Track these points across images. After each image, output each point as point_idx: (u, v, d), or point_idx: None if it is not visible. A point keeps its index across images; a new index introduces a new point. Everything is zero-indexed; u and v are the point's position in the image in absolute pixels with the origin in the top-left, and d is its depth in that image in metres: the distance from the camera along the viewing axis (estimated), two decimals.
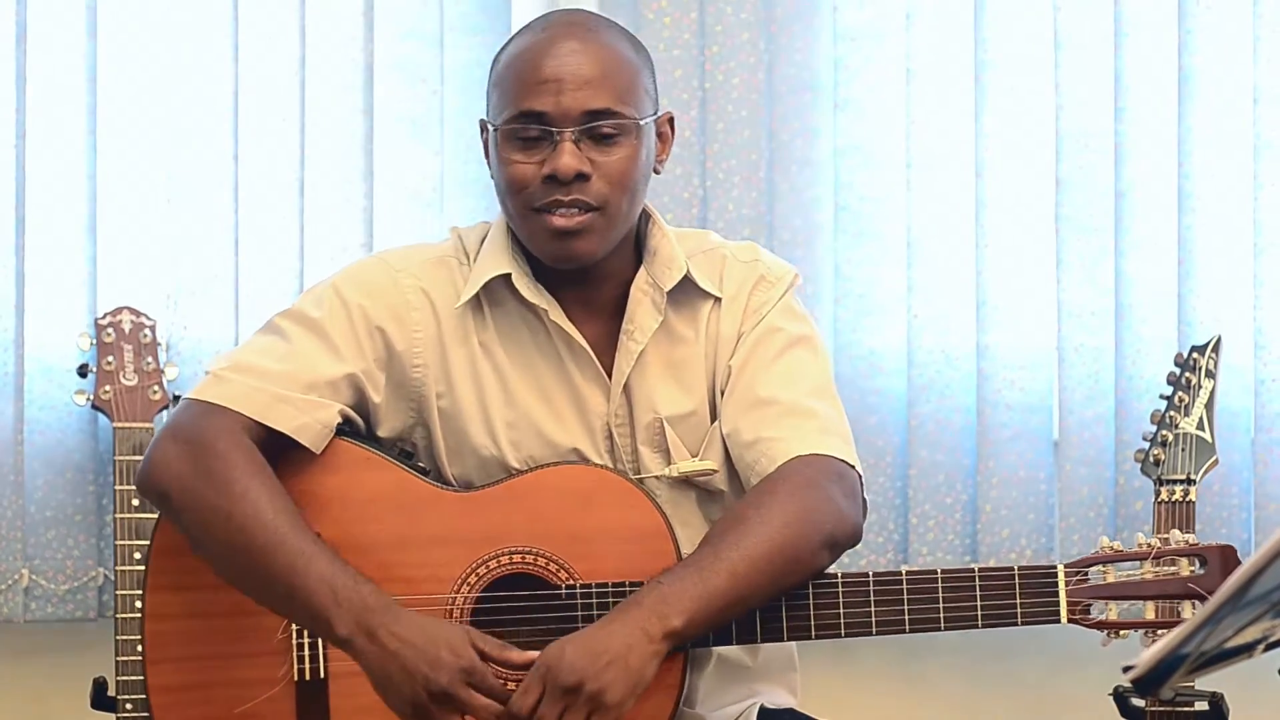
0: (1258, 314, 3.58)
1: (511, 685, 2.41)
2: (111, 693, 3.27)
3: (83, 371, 3.44)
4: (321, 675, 2.53)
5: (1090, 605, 2.50)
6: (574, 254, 2.56)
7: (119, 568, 3.31)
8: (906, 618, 2.48)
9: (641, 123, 2.56)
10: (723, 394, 2.64)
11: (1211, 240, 3.59)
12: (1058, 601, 2.49)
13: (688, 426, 2.64)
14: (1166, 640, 1.68)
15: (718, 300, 2.65)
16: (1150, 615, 2.52)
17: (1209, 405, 3.25)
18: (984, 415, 3.63)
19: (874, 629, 2.48)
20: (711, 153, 3.66)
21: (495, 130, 2.58)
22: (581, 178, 2.52)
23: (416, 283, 2.64)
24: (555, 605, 2.49)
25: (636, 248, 2.67)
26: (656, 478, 2.62)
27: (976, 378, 3.63)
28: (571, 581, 2.49)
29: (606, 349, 2.64)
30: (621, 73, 2.55)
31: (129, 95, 3.55)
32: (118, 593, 3.30)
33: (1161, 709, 3.16)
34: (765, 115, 3.66)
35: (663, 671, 2.41)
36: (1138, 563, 2.50)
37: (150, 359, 3.43)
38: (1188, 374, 3.27)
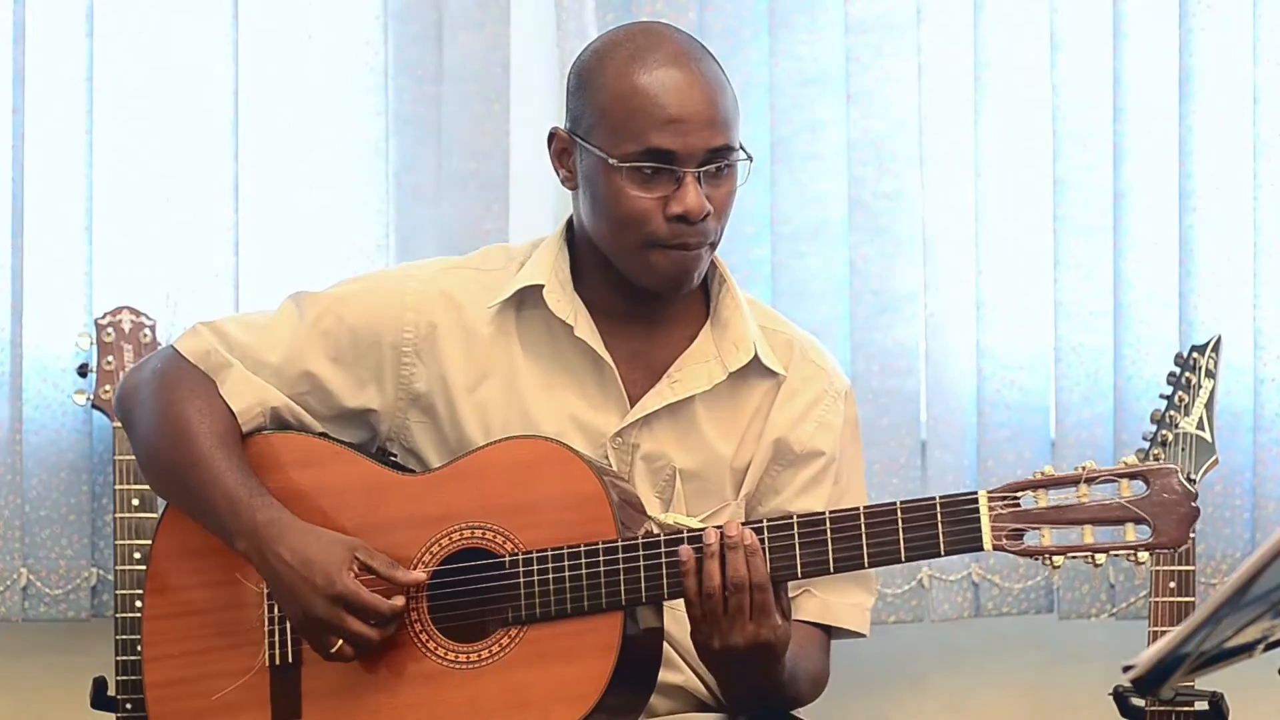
0: (1258, 314, 3.57)
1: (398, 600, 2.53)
2: (111, 692, 3.27)
3: (83, 371, 3.44)
4: (290, 660, 2.61)
5: (1023, 532, 2.45)
6: (686, 286, 2.64)
7: (119, 567, 3.30)
8: (831, 558, 2.49)
9: (742, 151, 2.62)
10: (753, 491, 2.70)
11: (1212, 240, 3.58)
12: (979, 528, 2.45)
13: (698, 487, 2.67)
14: (1166, 640, 1.68)
15: (777, 380, 2.70)
16: (1088, 539, 2.44)
17: (1209, 405, 3.25)
18: (984, 415, 3.62)
19: (799, 572, 2.49)
20: None
21: (610, 162, 2.57)
22: (705, 215, 2.57)
23: (421, 287, 2.70)
24: (500, 575, 2.54)
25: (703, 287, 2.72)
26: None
27: (976, 377, 3.62)
28: (516, 551, 2.53)
29: (634, 371, 2.67)
30: (730, 105, 2.61)
31: (128, 94, 3.54)
32: (118, 592, 3.30)
33: (1161, 709, 3.17)
34: (765, 109, 3.65)
35: (595, 632, 2.49)
36: (1073, 487, 2.44)
37: None
38: (1188, 374, 3.27)
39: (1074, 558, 2.45)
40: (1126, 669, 1.70)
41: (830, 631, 2.75)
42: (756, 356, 2.67)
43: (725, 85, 2.62)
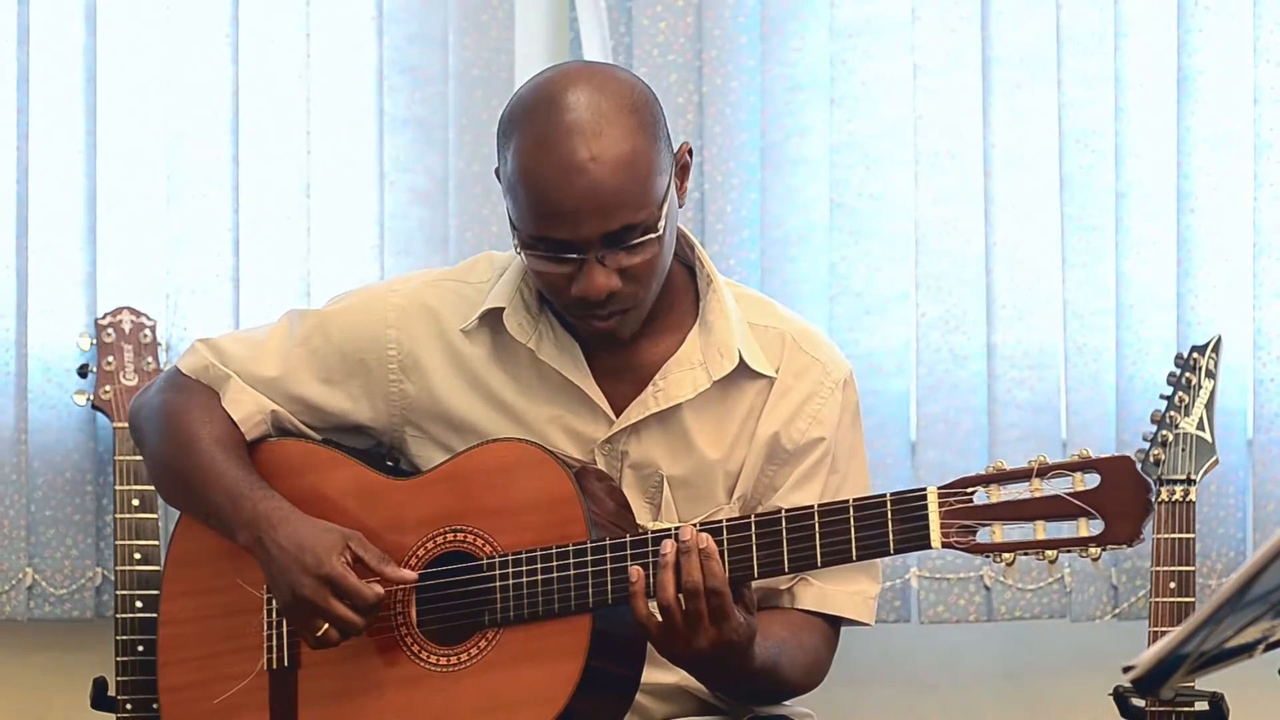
0: (1257, 314, 3.57)
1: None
2: (111, 693, 3.27)
3: (83, 372, 3.44)
4: (288, 663, 2.65)
5: (975, 529, 2.36)
6: (617, 342, 2.60)
7: (119, 568, 3.30)
8: (785, 558, 2.43)
9: (664, 211, 2.50)
10: (749, 493, 2.67)
11: (1211, 240, 3.57)
12: (926, 525, 2.37)
13: (688, 493, 2.66)
14: (1166, 640, 1.68)
15: (769, 381, 2.65)
16: (1040, 535, 2.35)
17: (1209, 405, 3.25)
18: (994, 415, 3.61)
19: (756, 572, 2.44)
20: (709, 155, 3.65)
21: (514, 241, 2.55)
22: (612, 291, 2.51)
23: (404, 302, 2.70)
24: (479, 578, 2.56)
25: (691, 280, 2.68)
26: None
27: (987, 377, 3.62)
28: (494, 554, 2.55)
29: (622, 378, 2.65)
30: (636, 176, 2.47)
31: (130, 95, 3.54)
32: (118, 593, 3.30)
33: (1161, 709, 3.17)
34: (756, 114, 3.65)
35: (565, 635, 2.49)
36: (1026, 481, 2.36)
37: (150, 359, 3.43)
38: (1188, 374, 3.27)
39: (1025, 554, 2.38)
40: (1127, 669, 1.70)
41: (835, 620, 2.70)
42: (743, 361, 2.62)
43: (634, 153, 2.45)
